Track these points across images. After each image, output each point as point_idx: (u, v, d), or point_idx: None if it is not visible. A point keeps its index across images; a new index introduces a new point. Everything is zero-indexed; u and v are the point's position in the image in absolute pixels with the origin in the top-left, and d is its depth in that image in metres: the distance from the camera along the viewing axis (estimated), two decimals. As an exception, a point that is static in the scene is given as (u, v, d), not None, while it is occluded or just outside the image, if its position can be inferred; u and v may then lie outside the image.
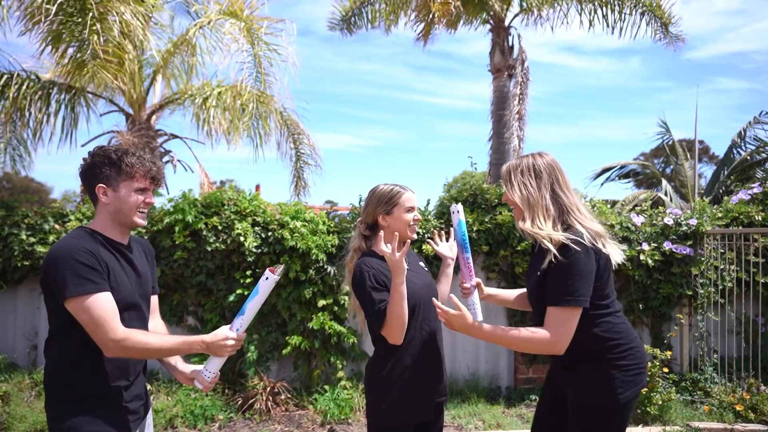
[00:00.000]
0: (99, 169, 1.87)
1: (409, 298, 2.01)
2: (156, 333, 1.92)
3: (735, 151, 10.90)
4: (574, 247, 1.82)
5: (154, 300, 2.12)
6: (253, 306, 1.89)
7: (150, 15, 6.10)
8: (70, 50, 5.37)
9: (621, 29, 8.62)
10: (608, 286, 1.94)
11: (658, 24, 8.63)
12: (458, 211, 2.19)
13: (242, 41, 6.23)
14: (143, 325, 1.94)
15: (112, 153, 1.88)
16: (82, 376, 1.79)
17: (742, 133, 10.81)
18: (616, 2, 8.50)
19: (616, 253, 1.96)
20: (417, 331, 2.09)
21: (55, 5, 5.01)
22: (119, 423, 1.82)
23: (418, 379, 2.08)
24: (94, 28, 5.10)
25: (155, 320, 2.11)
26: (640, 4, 8.49)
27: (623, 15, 8.53)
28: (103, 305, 1.71)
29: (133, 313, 1.88)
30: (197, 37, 6.97)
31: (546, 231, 1.88)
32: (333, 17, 9.80)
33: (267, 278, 1.87)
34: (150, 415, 2.07)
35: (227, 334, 1.85)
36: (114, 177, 1.87)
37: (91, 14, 5.06)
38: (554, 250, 1.83)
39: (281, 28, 6.63)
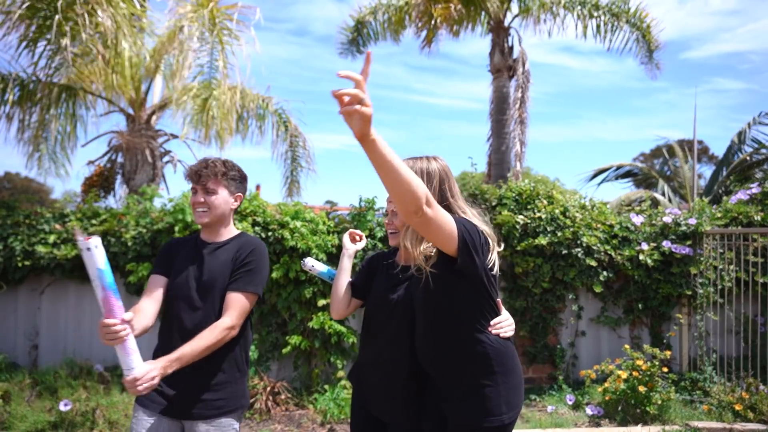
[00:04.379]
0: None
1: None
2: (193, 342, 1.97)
3: (735, 152, 10.93)
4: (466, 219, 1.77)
5: (230, 298, 2.05)
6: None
7: (135, 15, 6.06)
8: (45, 51, 5.38)
9: (610, 40, 8.93)
10: (496, 295, 1.84)
11: (645, 49, 8.89)
12: (313, 266, 2.30)
13: (203, 24, 6.18)
14: (191, 316, 2.05)
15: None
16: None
17: (742, 134, 10.84)
18: (609, 20, 8.72)
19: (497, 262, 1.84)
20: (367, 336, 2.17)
21: (24, 6, 5.01)
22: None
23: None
24: (65, 30, 5.06)
25: (223, 317, 2.03)
26: (635, 27, 8.67)
27: (614, 29, 8.80)
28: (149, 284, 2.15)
29: (183, 304, 2.06)
30: (183, 34, 6.93)
31: (420, 249, 1.78)
32: (342, 43, 9.95)
33: (91, 248, 1.67)
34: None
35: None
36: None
37: (58, 17, 5.01)
38: (427, 270, 1.75)
39: (241, 13, 6.55)
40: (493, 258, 1.80)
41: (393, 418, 2.06)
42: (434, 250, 1.77)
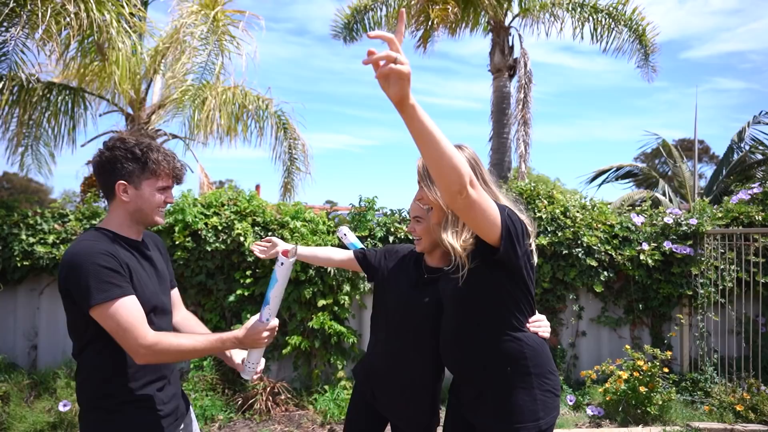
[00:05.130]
0: (120, 164, 1.75)
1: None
2: (187, 334, 1.82)
3: (735, 152, 10.94)
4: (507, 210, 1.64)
5: (175, 294, 2.05)
6: (275, 294, 1.77)
7: (134, 14, 6.05)
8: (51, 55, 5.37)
9: (607, 42, 8.99)
10: (533, 288, 1.75)
11: (641, 52, 8.91)
12: (345, 234, 2.22)
13: (205, 26, 6.20)
14: (170, 325, 1.89)
15: (136, 148, 1.76)
16: (117, 383, 1.70)
17: (742, 133, 10.84)
18: (607, 23, 8.75)
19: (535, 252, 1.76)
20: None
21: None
22: (158, 427, 1.75)
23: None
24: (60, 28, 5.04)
25: (181, 313, 2.06)
26: (632, 30, 8.69)
27: (611, 31, 8.82)
28: (130, 310, 1.61)
29: (159, 315, 1.81)
30: (184, 35, 6.94)
31: (461, 242, 1.68)
32: (335, 25, 9.91)
33: (282, 263, 1.75)
34: (192, 410, 2.03)
35: (258, 326, 1.74)
36: (137, 174, 1.76)
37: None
38: (468, 266, 1.66)
39: (241, 18, 6.58)
40: (532, 247, 1.70)
41: (413, 424, 2.01)
42: (473, 241, 1.66)
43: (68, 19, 5.00)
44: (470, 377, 1.78)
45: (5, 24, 5.18)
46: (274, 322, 1.78)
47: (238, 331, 1.73)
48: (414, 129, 1.33)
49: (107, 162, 1.76)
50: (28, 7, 4.97)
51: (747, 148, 10.68)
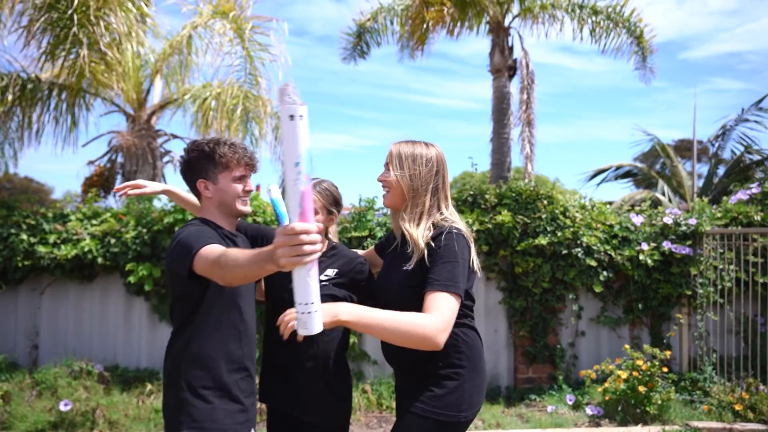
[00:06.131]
0: (196, 164, 1.87)
1: None
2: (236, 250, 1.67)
3: (722, 150, 11.12)
4: (455, 232, 1.72)
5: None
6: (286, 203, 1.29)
7: (144, 17, 6.08)
8: (63, 62, 5.36)
9: (605, 44, 9.00)
10: (472, 284, 1.82)
11: (639, 54, 8.94)
12: (269, 191, 1.80)
13: (232, 37, 6.23)
14: (254, 315, 1.95)
15: (204, 145, 1.87)
16: (203, 369, 1.76)
17: (730, 131, 10.96)
18: (606, 24, 8.78)
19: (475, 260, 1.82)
20: None
21: (41, 19, 5.01)
22: (238, 416, 1.79)
23: None
24: (82, 40, 5.06)
25: None
26: (630, 32, 8.72)
27: (609, 32, 8.85)
28: (216, 246, 1.61)
29: (246, 303, 1.88)
30: (192, 38, 6.98)
31: (420, 230, 1.76)
32: (345, 48, 9.97)
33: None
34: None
35: (295, 228, 1.17)
36: (211, 169, 1.87)
37: (74, 30, 5.01)
38: (425, 252, 1.72)
39: (270, 27, 6.64)
40: (473, 257, 1.78)
41: (320, 414, 1.98)
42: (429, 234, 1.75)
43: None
44: (404, 368, 1.85)
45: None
46: (310, 225, 1.17)
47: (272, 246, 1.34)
48: (364, 330, 1.53)
49: (186, 165, 1.90)
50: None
51: (737, 146, 10.83)
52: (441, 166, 1.85)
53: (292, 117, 1.16)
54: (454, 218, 1.81)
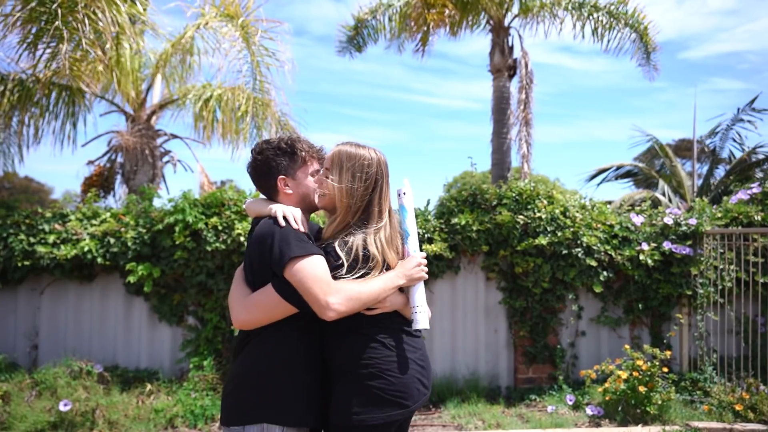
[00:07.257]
0: (275, 162, 1.88)
1: None
2: (359, 281, 1.79)
3: (720, 149, 11.13)
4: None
5: None
6: (411, 223, 1.85)
7: (134, 19, 6.05)
8: (42, 55, 5.33)
9: (608, 41, 8.94)
10: None
11: (643, 51, 8.90)
12: (403, 194, 1.94)
13: (239, 44, 6.26)
14: None
15: (282, 143, 1.90)
16: (276, 372, 1.74)
17: (725, 130, 10.97)
18: (608, 21, 8.75)
19: None
20: None
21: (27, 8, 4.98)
22: (308, 420, 1.76)
23: None
24: (63, 35, 5.02)
25: None
26: (633, 29, 8.69)
27: (612, 29, 8.83)
28: (323, 265, 1.70)
29: None
30: (195, 39, 6.98)
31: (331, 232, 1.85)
32: (341, 41, 9.95)
33: (405, 193, 1.88)
34: None
35: (411, 258, 1.82)
36: (291, 166, 1.89)
37: (57, 23, 4.98)
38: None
39: (277, 30, 6.66)
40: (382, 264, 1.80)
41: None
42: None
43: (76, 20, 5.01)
44: (338, 361, 1.82)
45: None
46: (422, 253, 1.86)
47: (402, 269, 1.80)
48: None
49: (262, 164, 1.90)
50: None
51: (735, 144, 10.86)
52: (381, 178, 1.86)
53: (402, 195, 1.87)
54: (378, 234, 1.80)
